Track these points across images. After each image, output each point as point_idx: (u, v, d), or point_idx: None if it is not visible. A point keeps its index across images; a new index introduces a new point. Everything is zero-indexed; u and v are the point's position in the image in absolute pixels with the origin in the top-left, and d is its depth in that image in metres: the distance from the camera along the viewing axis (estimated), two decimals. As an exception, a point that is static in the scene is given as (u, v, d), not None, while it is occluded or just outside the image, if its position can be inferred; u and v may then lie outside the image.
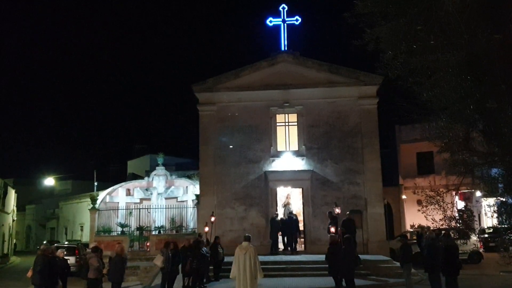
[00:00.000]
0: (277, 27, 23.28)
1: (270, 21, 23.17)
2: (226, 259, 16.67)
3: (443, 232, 14.53)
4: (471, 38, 8.65)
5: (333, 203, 20.41)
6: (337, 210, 19.30)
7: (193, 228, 23.00)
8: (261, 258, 12.79)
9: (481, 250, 21.29)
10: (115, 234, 23.83)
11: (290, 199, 22.34)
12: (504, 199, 10.11)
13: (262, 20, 23.28)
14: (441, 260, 12.66)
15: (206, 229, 19.53)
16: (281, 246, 20.96)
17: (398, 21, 9.43)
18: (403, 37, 9.47)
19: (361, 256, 17.45)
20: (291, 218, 20.50)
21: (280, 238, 21.08)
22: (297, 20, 23.14)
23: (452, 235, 14.19)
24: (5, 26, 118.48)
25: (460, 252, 18.09)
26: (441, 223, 11.28)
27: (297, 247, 20.89)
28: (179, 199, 25.51)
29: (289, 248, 20.38)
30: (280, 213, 21.64)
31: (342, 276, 13.89)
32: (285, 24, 23.15)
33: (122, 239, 20.85)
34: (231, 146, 22.02)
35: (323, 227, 20.30)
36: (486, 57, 8.80)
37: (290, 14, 23.23)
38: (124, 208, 25.51)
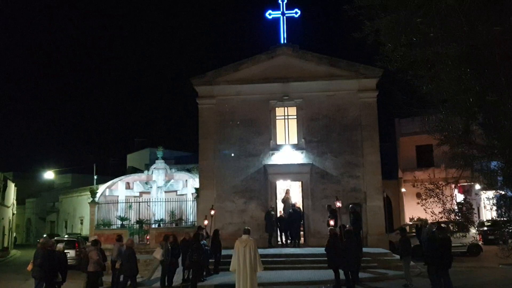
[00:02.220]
0: (276, 20, 23.18)
1: (270, 14, 23.07)
2: (226, 252, 16.72)
3: (442, 225, 14.60)
4: (471, 30, 8.61)
5: (332, 196, 20.41)
6: (338, 204, 19.32)
7: (193, 221, 23.05)
8: (261, 251, 12.84)
9: (480, 242, 21.37)
10: (115, 228, 23.88)
11: (290, 194, 22.10)
12: (503, 192, 10.13)
13: (261, 13, 23.20)
14: (435, 253, 12.74)
15: (206, 222, 19.57)
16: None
17: (398, 13, 9.39)
18: (403, 30, 9.44)
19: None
20: (295, 212, 20.47)
21: (278, 233, 21.07)
22: (296, 12, 23.05)
23: (451, 228, 14.22)
24: (5, 24, 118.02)
25: (459, 244, 18.26)
26: (440, 216, 11.30)
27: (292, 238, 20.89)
28: (178, 193, 25.56)
29: (296, 241, 20.31)
30: (280, 209, 21.61)
31: (343, 268, 13.95)
32: (285, 17, 23.06)
33: (122, 233, 20.88)
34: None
35: (323, 220, 20.32)
36: (486, 49, 8.77)
37: (289, 6, 23.14)
38: (124, 201, 25.55)
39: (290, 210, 20.48)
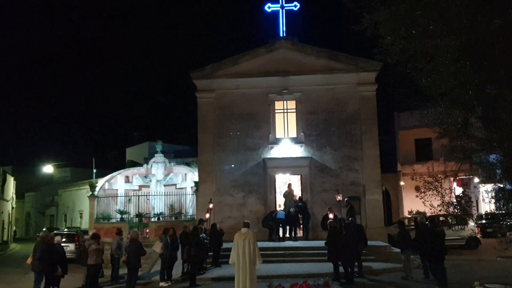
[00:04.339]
0: (275, 13, 23.07)
1: (269, 7, 22.95)
2: (225, 245, 16.78)
3: (440, 218, 14.67)
4: (471, 23, 8.60)
5: (331, 190, 20.49)
6: (339, 197, 19.32)
7: (192, 215, 23.09)
8: (260, 244, 12.86)
9: (478, 235, 21.39)
10: (115, 221, 23.94)
11: (291, 188, 21.51)
12: (502, 185, 10.14)
13: (260, 6, 23.09)
14: (429, 246, 12.83)
15: (207, 215, 19.58)
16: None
17: (397, 6, 9.36)
18: (402, 22, 9.41)
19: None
20: (305, 205, 20.46)
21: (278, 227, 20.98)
22: (295, 6, 22.93)
23: (450, 220, 14.28)
24: (6, 22, 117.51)
25: (458, 237, 18.31)
26: (439, 209, 11.33)
27: (296, 233, 20.87)
28: (178, 186, 25.58)
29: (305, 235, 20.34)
30: (279, 202, 21.57)
31: (343, 261, 14.02)
32: (284, 10, 22.94)
33: (122, 226, 20.93)
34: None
35: (322, 214, 20.38)
36: (485, 42, 8.76)
37: (288, -1, 23.03)
38: (123, 195, 25.58)
39: (300, 204, 20.40)
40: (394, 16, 9.47)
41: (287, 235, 20.29)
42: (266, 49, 22.58)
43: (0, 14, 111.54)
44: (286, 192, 21.31)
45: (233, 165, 21.93)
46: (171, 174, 26.31)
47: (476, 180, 21.53)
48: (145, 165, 27.80)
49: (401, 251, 15.17)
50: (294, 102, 22.25)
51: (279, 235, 20.32)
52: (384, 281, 14.36)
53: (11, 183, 39.21)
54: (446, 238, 13.30)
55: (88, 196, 25.38)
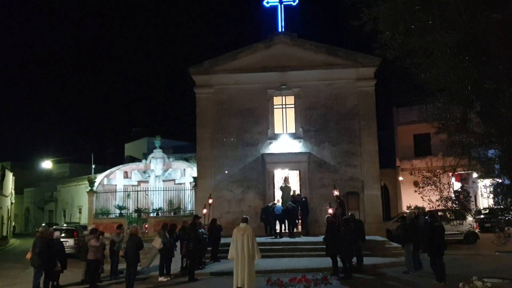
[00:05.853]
0: (274, 8, 23.01)
1: (267, 2, 22.87)
2: (224, 240, 16.81)
3: (439, 213, 14.69)
4: (470, 18, 8.57)
5: (330, 185, 20.50)
6: (336, 192, 19.36)
7: (191, 210, 23.13)
8: (259, 239, 12.91)
9: (477, 230, 21.47)
10: (113, 217, 23.97)
11: (289, 181, 21.59)
12: (500, 180, 10.15)
13: (259, 1, 22.98)
14: (427, 240, 12.94)
15: (205, 211, 19.61)
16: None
17: (396, 0, 9.34)
18: (401, 17, 9.39)
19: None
20: (305, 200, 20.47)
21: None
22: (294, 1, 22.85)
23: (448, 215, 14.31)
24: (6, 21, 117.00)
25: (456, 232, 18.38)
26: (437, 204, 11.35)
27: (295, 228, 20.87)
28: (176, 182, 25.62)
29: (304, 230, 20.33)
30: (278, 197, 21.57)
31: (341, 256, 14.06)
32: (282, 5, 22.89)
33: (121, 221, 20.93)
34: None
35: (320, 209, 20.43)
36: (484, 37, 8.74)
37: (287, -6, 22.92)
38: (122, 190, 25.61)
39: (303, 199, 20.38)
40: (393, 11, 9.44)
41: (285, 230, 20.31)
42: (265, 44, 22.55)
43: (0, 14, 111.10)
44: (283, 185, 21.28)
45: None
46: (170, 169, 26.34)
47: (475, 175, 21.58)
48: (144, 161, 27.83)
49: (402, 246, 15.25)
50: (292, 97, 22.24)
51: (276, 230, 20.37)
52: (383, 276, 14.43)
53: (10, 178, 39.19)
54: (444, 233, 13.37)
55: (87, 192, 25.40)
